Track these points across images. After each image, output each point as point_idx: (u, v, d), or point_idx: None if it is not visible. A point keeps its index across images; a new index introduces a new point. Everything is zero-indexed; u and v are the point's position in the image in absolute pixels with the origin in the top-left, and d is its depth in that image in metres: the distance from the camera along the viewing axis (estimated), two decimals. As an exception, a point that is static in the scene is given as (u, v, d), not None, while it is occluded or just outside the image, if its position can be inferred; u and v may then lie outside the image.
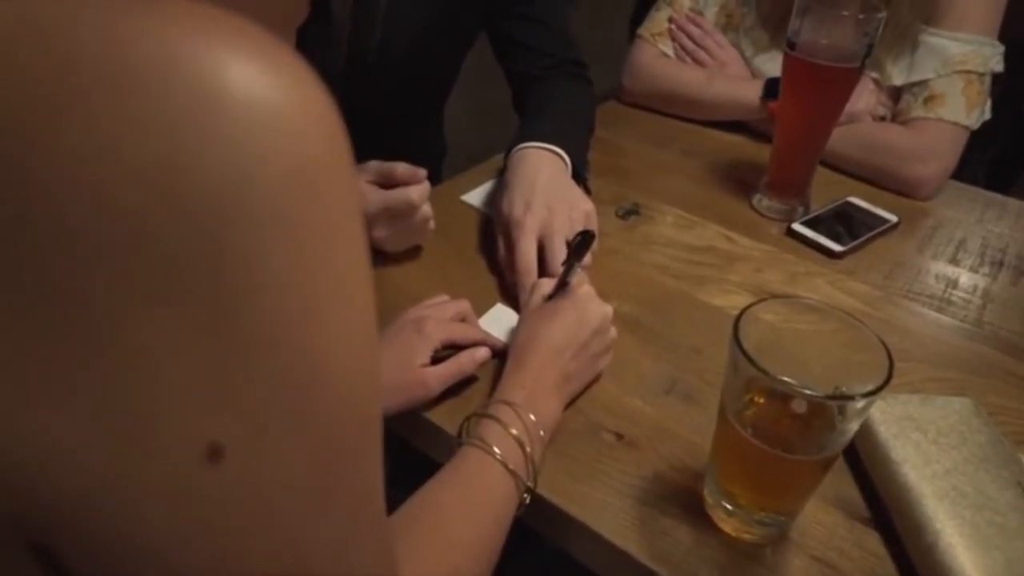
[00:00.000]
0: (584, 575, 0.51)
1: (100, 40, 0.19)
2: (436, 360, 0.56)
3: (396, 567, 0.29)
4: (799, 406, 0.43)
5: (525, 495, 0.48)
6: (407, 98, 0.92)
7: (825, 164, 0.91)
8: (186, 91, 0.19)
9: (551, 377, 0.53)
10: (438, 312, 0.59)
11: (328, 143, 0.22)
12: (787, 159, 0.85)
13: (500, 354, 0.59)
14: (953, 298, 0.74)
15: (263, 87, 0.20)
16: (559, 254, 0.67)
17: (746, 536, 0.48)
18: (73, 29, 0.19)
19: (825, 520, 0.50)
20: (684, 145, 0.99)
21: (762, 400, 0.46)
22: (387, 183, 0.68)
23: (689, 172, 0.93)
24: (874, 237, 0.82)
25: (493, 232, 0.75)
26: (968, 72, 0.86)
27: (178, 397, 0.20)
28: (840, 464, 0.53)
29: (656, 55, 1.05)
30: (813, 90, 0.79)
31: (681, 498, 0.50)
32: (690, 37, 1.04)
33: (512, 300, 0.68)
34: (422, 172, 0.68)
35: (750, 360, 0.40)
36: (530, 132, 0.79)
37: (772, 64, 0.99)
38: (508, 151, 0.79)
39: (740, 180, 0.91)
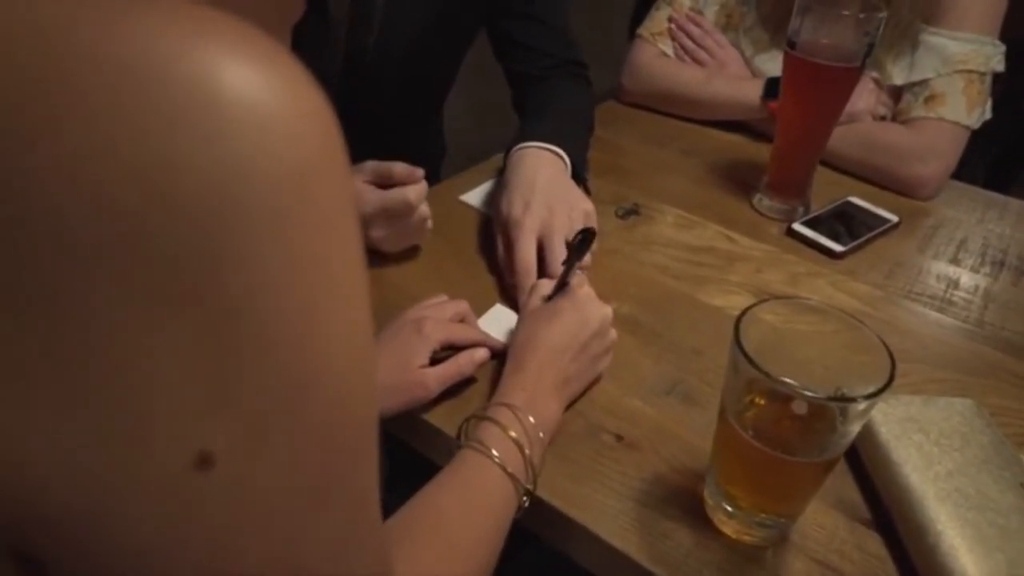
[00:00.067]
0: (584, 577, 0.51)
1: (98, 41, 0.18)
2: (435, 361, 0.56)
3: (392, 570, 0.29)
4: (800, 408, 0.42)
5: (524, 498, 0.47)
6: (405, 98, 0.92)
7: (825, 164, 0.91)
8: (182, 92, 0.19)
9: (550, 379, 0.52)
10: (437, 313, 0.59)
11: (323, 144, 0.22)
12: (787, 159, 0.85)
13: (499, 355, 0.59)
14: (954, 298, 0.74)
15: (258, 88, 0.20)
16: (559, 254, 0.67)
17: (747, 538, 0.48)
18: (72, 30, 0.18)
19: (826, 522, 0.49)
20: (684, 145, 0.99)
21: (763, 401, 0.45)
22: (384, 183, 0.68)
23: (689, 172, 0.93)
24: (875, 237, 0.81)
25: (492, 232, 0.74)
26: (969, 71, 0.86)
27: (172, 400, 0.20)
28: (841, 466, 0.52)
29: (656, 55, 1.05)
30: (813, 90, 0.79)
31: (681, 500, 0.50)
32: (690, 36, 1.04)
33: (511, 300, 0.67)
34: (420, 172, 0.67)
35: (751, 361, 0.40)
36: (530, 132, 0.79)
37: (772, 64, 0.99)
38: (507, 151, 0.79)
39: (740, 180, 0.91)
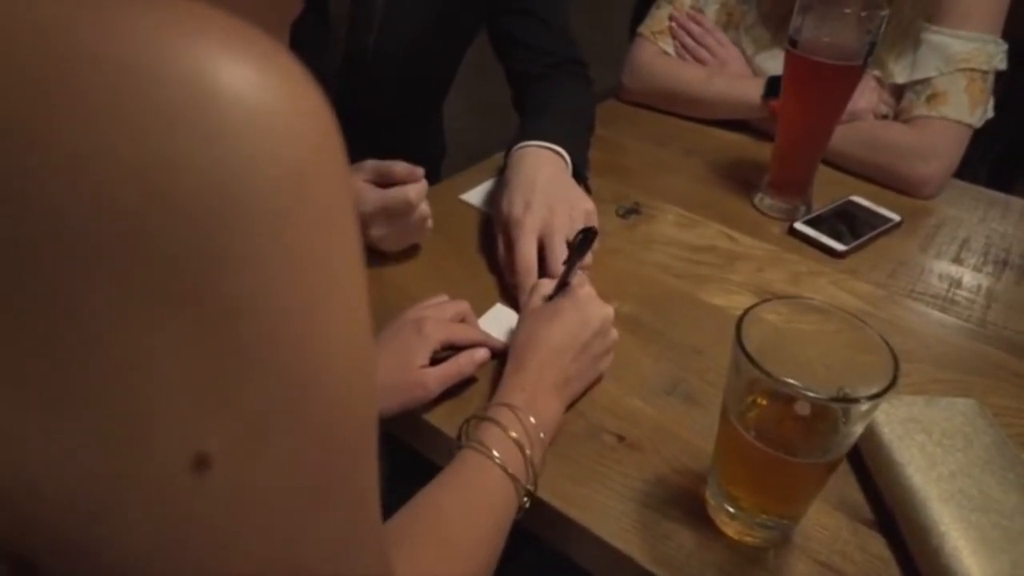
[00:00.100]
0: (584, 578, 0.51)
1: (97, 40, 0.18)
2: (435, 361, 0.55)
3: (393, 571, 0.29)
4: (802, 408, 0.42)
5: (525, 498, 0.47)
6: (405, 97, 0.92)
7: (827, 163, 0.90)
8: (181, 92, 0.19)
9: (551, 379, 0.52)
10: (437, 312, 0.59)
11: (322, 143, 0.22)
12: (789, 158, 0.85)
13: (500, 355, 0.59)
14: (957, 298, 0.73)
15: (257, 87, 0.20)
16: (559, 254, 0.67)
17: (748, 539, 0.47)
18: (71, 29, 0.18)
19: (828, 523, 0.49)
20: (685, 144, 0.99)
21: (765, 402, 0.45)
22: (384, 182, 0.67)
23: (690, 171, 0.93)
24: (877, 236, 0.81)
25: (492, 231, 0.74)
26: (971, 70, 0.86)
27: (170, 401, 0.20)
28: (844, 466, 0.52)
29: (656, 53, 1.05)
30: (815, 88, 0.78)
31: (683, 501, 0.50)
32: (691, 35, 1.04)
33: (512, 300, 0.67)
34: (420, 171, 0.67)
35: (752, 362, 0.40)
36: (530, 131, 0.79)
37: (773, 62, 0.99)
38: (508, 150, 0.79)
39: (742, 179, 0.90)
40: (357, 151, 0.71)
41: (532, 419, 0.49)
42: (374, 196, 0.66)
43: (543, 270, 0.67)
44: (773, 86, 0.93)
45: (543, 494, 0.49)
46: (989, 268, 0.78)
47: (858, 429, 0.41)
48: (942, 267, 0.78)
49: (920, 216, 0.87)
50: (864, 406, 0.39)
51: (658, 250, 0.77)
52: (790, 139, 0.84)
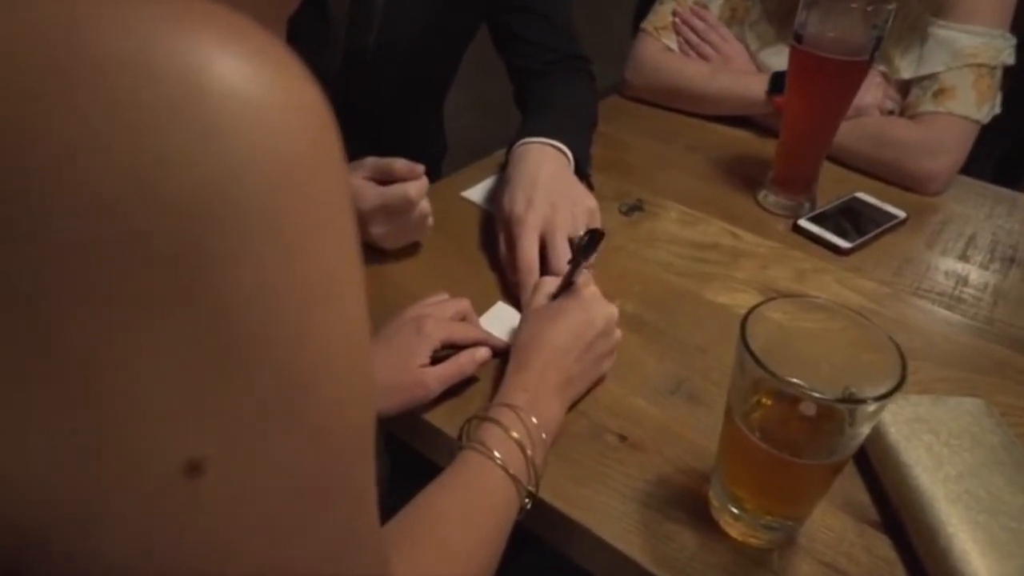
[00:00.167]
0: (586, 579, 0.50)
1: (90, 35, 0.18)
2: (436, 360, 0.55)
3: (391, 572, 0.29)
4: (808, 408, 0.42)
5: (526, 499, 0.46)
6: (406, 95, 0.91)
7: (832, 159, 0.90)
8: (175, 87, 0.18)
9: (554, 379, 0.52)
10: (438, 311, 0.58)
11: (318, 138, 0.22)
12: (793, 154, 0.84)
13: (501, 354, 0.58)
14: (963, 295, 0.72)
15: (252, 82, 0.20)
16: (561, 251, 0.66)
17: (753, 541, 0.47)
18: (66, 25, 0.18)
19: (834, 524, 0.48)
20: (688, 140, 0.98)
21: (770, 402, 0.44)
22: (384, 179, 0.67)
23: (693, 167, 0.92)
24: (882, 233, 0.80)
25: (494, 229, 0.74)
26: (979, 65, 0.85)
27: (162, 404, 0.20)
28: (849, 467, 0.51)
29: (660, 49, 1.04)
30: (820, 84, 0.77)
31: (686, 502, 0.49)
32: (694, 31, 1.03)
33: (513, 298, 0.66)
34: (420, 168, 0.67)
35: (757, 362, 0.39)
36: (532, 127, 0.78)
37: (778, 58, 0.98)
38: (509, 147, 0.78)
39: (745, 176, 0.90)
40: (357, 149, 0.71)
41: (534, 419, 0.48)
42: (374, 193, 0.66)
43: (545, 268, 0.66)
44: (777, 82, 0.92)
45: (544, 495, 0.48)
46: (996, 265, 0.78)
47: (865, 430, 0.40)
48: (948, 264, 0.77)
49: (926, 213, 0.86)
50: (871, 407, 0.38)
51: (661, 248, 0.76)
52: (795, 135, 0.83)
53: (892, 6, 0.71)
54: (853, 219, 0.81)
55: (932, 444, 0.49)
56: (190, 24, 0.19)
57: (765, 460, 0.42)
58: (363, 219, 0.66)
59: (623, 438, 0.54)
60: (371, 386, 0.26)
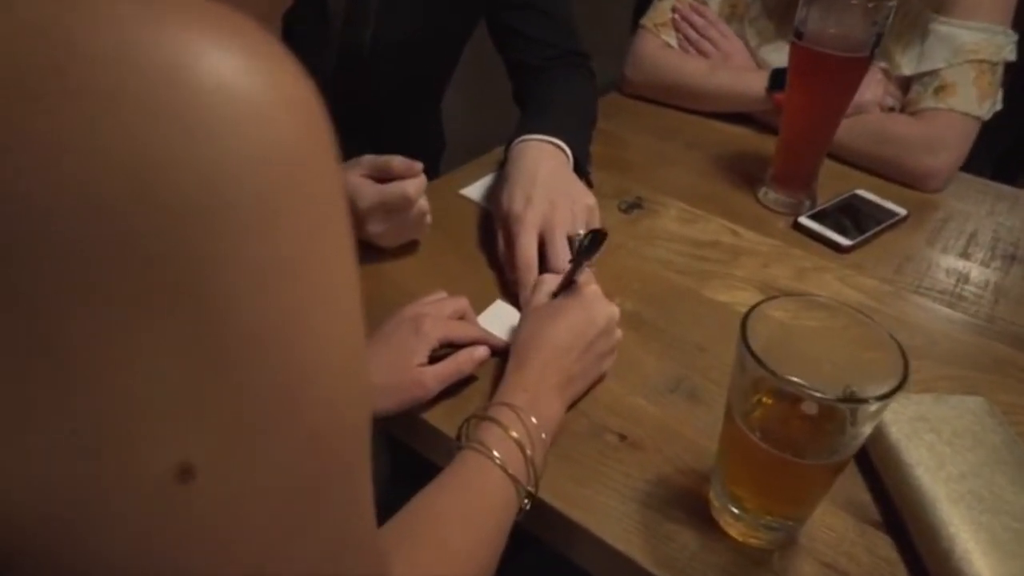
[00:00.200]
0: (585, 580, 0.50)
1: (77, 31, 0.18)
2: (434, 359, 0.54)
3: (389, 573, 0.29)
4: (809, 408, 0.41)
5: (526, 500, 0.46)
6: (403, 92, 0.91)
7: (832, 156, 0.89)
8: (162, 83, 0.18)
9: (554, 378, 0.51)
10: (436, 310, 0.58)
11: (310, 134, 0.21)
12: (793, 151, 0.83)
13: (500, 353, 0.58)
14: (964, 293, 0.72)
15: (242, 77, 0.20)
16: (560, 249, 0.65)
17: (753, 541, 0.46)
18: (52, 22, 0.18)
19: (835, 524, 0.48)
20: (688, 137, 0.97)
21: (770, 401, 0.44)
22: (382, 177, 0.66)
23: (693, 165, 0.92)
24: (883, 231, 0.80)
25: (492, 227, 0.73)
26: (980, 61, 0.84)
27: (151, 408, 0.19)
28: (850, 466, 0.51)
29: (659, 45, 1.04)
30: (820, 80, 0.77)
31: (686, 501, 0.49)
32: (694, 27, 1.02)
33: (512, 296, 0.66)
34: (418, 165, 0.66)
35: (758, 361, 0.39)
36: (531, 124, 0.78)
37: (777, 54, 0.97)
38: (508, 144, 0.78)
39: (745, 173, 0.89)
40: (355, 147, 0.70)
41: (533, 419, 0.48)
42: (372, 191, 0.65)
43: (544, 266, 0.66)
44: (777, 79, 0.91)
45: (544, 495, 0.48)
46: (997, 263, 0.77)
47: (866, 430, 0.40)
48: (949, 262, 0.77)
49: (927, 210, 0.85)
50: (873, 406, 0.38)
51: (660, 246, 0.75)
52: (795, 132, 0.82)
53: (893, 2, 0.70)
54: (853, 216, 0.81)
55: (934, 443, 0.49)
56: (180, 19, 0.19)
57: (765, 460, 0.42)
58: (361, 217, 0.66)
59: (623, 437, 0.53)
60: (366, 385, 0.26)
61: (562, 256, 0.65)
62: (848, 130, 0.85)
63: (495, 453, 0.45)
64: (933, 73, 0.87)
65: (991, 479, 0.46)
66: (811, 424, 0.42)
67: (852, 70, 0.75)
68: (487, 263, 0.71)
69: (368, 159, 0.67)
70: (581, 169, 0.77)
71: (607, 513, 0.48)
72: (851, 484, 0.51)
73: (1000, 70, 0.86)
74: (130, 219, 0.18)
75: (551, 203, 0.69)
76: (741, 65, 1.00)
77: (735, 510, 0.46)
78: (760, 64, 1.00)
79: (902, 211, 0.82)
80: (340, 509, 0.25)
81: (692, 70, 1.00)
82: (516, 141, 0.76)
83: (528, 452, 0.46)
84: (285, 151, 0.20)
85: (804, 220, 0.79)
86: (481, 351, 0.56)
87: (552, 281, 0.59)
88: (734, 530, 0.47)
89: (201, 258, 0.19)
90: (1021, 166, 1.48)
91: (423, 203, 0.68)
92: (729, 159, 0.92)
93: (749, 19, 1.01)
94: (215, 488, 0.21)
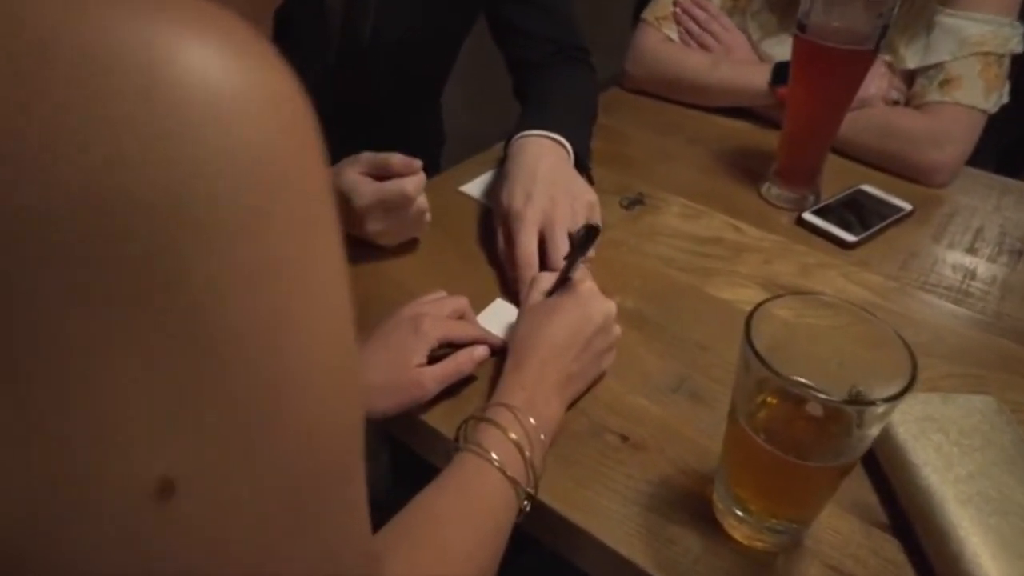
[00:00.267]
0: (586, 582, 0.49)
1: (49, 29, 0.17)
2: (433, 359, 0.54)
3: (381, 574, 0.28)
4: (815, 409, 0.40)
5: (525, 502, 0.45)
6: (403, 88, 0.90)
7: (836, 151, 0.88)
8: (136, 80, 0.17)
9: (552, 377, 0.50)
10: (435, 309, 0.57)
11: (293, 130, 0.20)
12: (797, 146, 0.82)
13: (500, 352, 0.57)
14: (971, 289, 0.71)
15: (224, 74, 0.19)
16: (561, 246, 0.65)
17: (758, 544, 0.46)
18: (32, 19, 0.17)
19: (841, 526, 0.47)
20: (690, 132, 0.96)
21: (775, 401, 0.43)
22: (381, 174, 0.65)
23: (695, 160, 0.91)
24: (888, 226, 0.79)
25: (492, 224, 0.72)
26: (986, 54, 0.83)
27: (128, 423, 0.18)
28: (857, 467, 0.50)
29: (660, 39, 1.02)
30: (824, 74, 0.76)
31: (689, 503, 0.48)
32: (695, 21, 1.01)
33: (512, 295, 0.65)
34: (417, 163, 0.65)
35: (762, 361, 0.38)
36: (531, 120, 0.77)
37: (780, 48, 0.96)
38: (508, 140, 0.77)
39: (748, 168, 0.88)
40: (354, 143, 0.69)
41: (532, 420, 0.47)
42: (370, 189, 0.64)
43: (544, 263, 0.65)
44: (780, 72, 0.90)
45: (544, 497, 0.47)
46: (1004, 258, 0.76)
47: (874, 432, 0.39)
48: (955, 257, 0.76)
49: (932, 205, 0.84)
50: (880, 409, 0.37)
51: (662, 242, 0.75)
52: (798, 127, 0.81)
53: (898, -6, 0.69)
54: (858, 212, 0.80)
55: (941, 443, 0.48)
56: (163, 16, 0.18)
57: (770, 462, 0.41)
58: (360, 215, 0.65)
59: (624, 438, 0.53)
60: (357, 386, 0.25)
61: (563, 253, 0.64)
62: (852, 124, 0.84)
63: (493, 455, 0.44)
64: (938, 66, 0.86)
65: (1000, 480, 0.45)
66: (817, 425, 0.41)
67: (856, 64, 0.74)
68: (487, 261, 0.70)
69: (366, 156, 0.66)
70: (582, 165, 0.76)
71: (608, 515, 0.47)
72: (857, 485, 0.50)
73: (1007, 62, 0.85)
74: (98, 223, 0.17)
75: (551, 200, 0.68)
76: (743, 59, 0.99)
77: (739, 512, 0.45)
78: (762, 58, 0.99)
79: (907, 206, 0.81)
80: (333, 514, 0.25)
81: (694, 64, 0.99)
82: (516, 137, 0.75)
83: (527, 453, 0.46)
84: (266, 148, 0.19)
85: (808, 216, 0.78)
86: (481, 351, 0.55)
87: (548, 279, 0.58)
88: (738, 533, 0.46)
89: (174, 265, 0.18)
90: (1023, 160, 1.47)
91: (422, 201, 0.67)
92: (731, 154, 0.91)
93: (751, 12, 1.00)
94: (199, 502, 0.20)
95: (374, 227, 0.66)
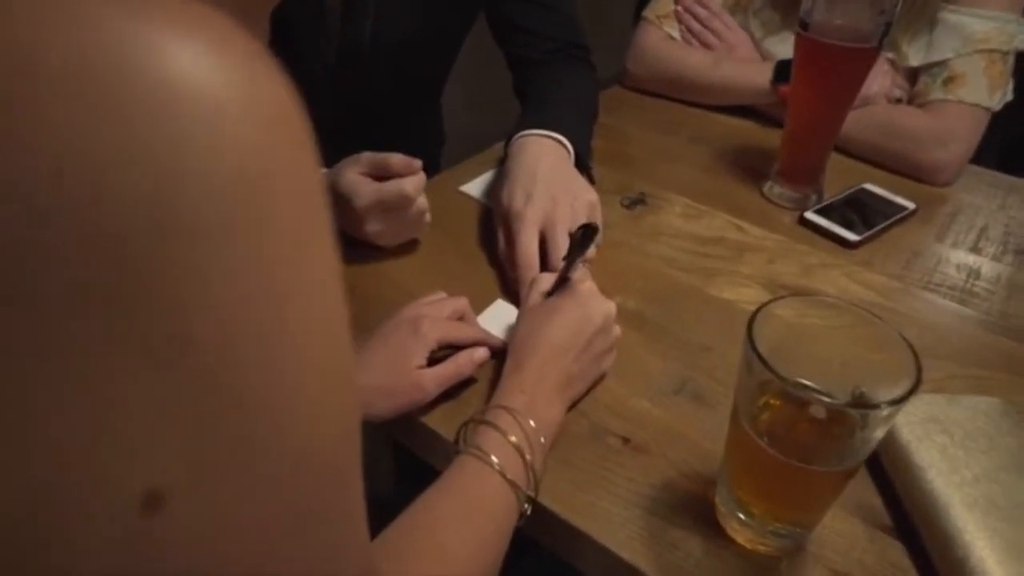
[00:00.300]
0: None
1: (23, 28, 0.17)
2: (433, 360, 0.53)
3: None
4: (818, 411, 0.40)
5: (526, 505, 0.45)
6: (403, 88, 0.89)
7: (839, 150, 0.87)
8: (114, 80, 0.17)
9: (552, 379, 0.50)
10: (434, 311, 0.56)
11: (282, 131, 0.20)
12: (799, 145, 0.82)
13: (500, 354, 0.56)
14: (975, 289, 0.70)
15: (205, 73, 0.18)
16: (561, 247, 0.64)
17: (761, 548, 0.45)
18: (11, 23, 0.17)
19: (845, 530, 0.47)
20: (691, 131, 0.96)
21: (778, 402, 0.43)
22: (381, 174, 0.65)
23: (697, 159, 0.90)
24: (891, 225, 0.78)
25: (493, 224, 0.72)
26: (991, 51, 0.82)
27: (112, 436, 0.18)
28: (861, 469, 0.50)
29: (662, 38, 1.02)
30: (827, 72, 0.75)
31: (692, 507, 0.48)
32: (697, 19, 1.01)
33: (513, 296, 0.65)
34: (417, 163, 0.65)
35: (765, 364, 0.37)
36: (531, 119, 0.76)
37: (783, 46, 0.96)
38: (508, 139, 0.76)
39: (750, 167, 0.88)
40: (354, 143, 0.69)
41: (532, 423, 0.47)
42: (370, 190, 0.64)
43: (545, 264, 0.65)
44: (783, 70, 0.90)
45: (544, 500, 0.47)
46: (1009, 257, 0.76)
47: (878, 434, 0.38)
48: (959, 257, 0.75)
49: (936, 204, 0.84)
50: (884, 411, 0.36)
51: (664, 242, 0.74)
52: (800, 125, 0.81)
53: (901, -9, 0.69)
54: (861, 211, 0.79)
55: (946, 446, 0.47)
56: (146, 13, 0.18)
57: (773, 466, 0.41)
58: (359, 216, 0.64)
59: (626, 440, 0.52)
60: (353, 389, 0.24)
61: (564, 253, 0.63)
62: (855, 123, 0.83)
63: (493, 458, 0.44)
64: (942, 64, 0.86)
65: (1007, 483, 0.45)
66: (820, 427, 0.40)
67: (859, 61, 0.73)
68: (487, 261, 0.70)
69: (366, 156, 0.66)
70: (582, 164, 0.76)
71: (609, 519, 0.47)
72: (862, 488, 0.49)
73: (1011, 59, 0.84)
74: (73, 232, 0.16)
75: (552, 199, 0.67)
76: (745, 57, 0.98)
77: (742, 516, 0.45)
78: (764, 56, 0.98)
79: (911, 205, 0.81)
80: (328, 523, 0.24)
81: (695, 62, 0.99)
82: (516, 136, 0.75)
83: (527, 457, 0.45)
84: (257, 148, 0.19)
85: (810, 215, 0.78)
86: (481, 352, 0.55)
87: (547, 280, 0.58)
88: (741, 536, 0.46)
89: (157, 275, 0.17)
90: (1029, 158, 1.46)
91: (422, 201, 0.66)
92: (733, 153, 0.91)
93: (753, 10, 1.00)
94: (188, 516, 0.19)
95: (374, 228, 0.66)
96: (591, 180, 0.76)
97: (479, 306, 0.62)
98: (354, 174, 0.65)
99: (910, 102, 0.90)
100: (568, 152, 0.74)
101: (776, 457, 0.40)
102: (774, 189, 0.83)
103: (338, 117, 0.88)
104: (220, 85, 0.18)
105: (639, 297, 0.66)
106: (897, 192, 0.82)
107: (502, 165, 0.75)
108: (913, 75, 0.90)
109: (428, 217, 0.68)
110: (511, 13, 0.87)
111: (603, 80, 0.94)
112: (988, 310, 0.68)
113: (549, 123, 0.75)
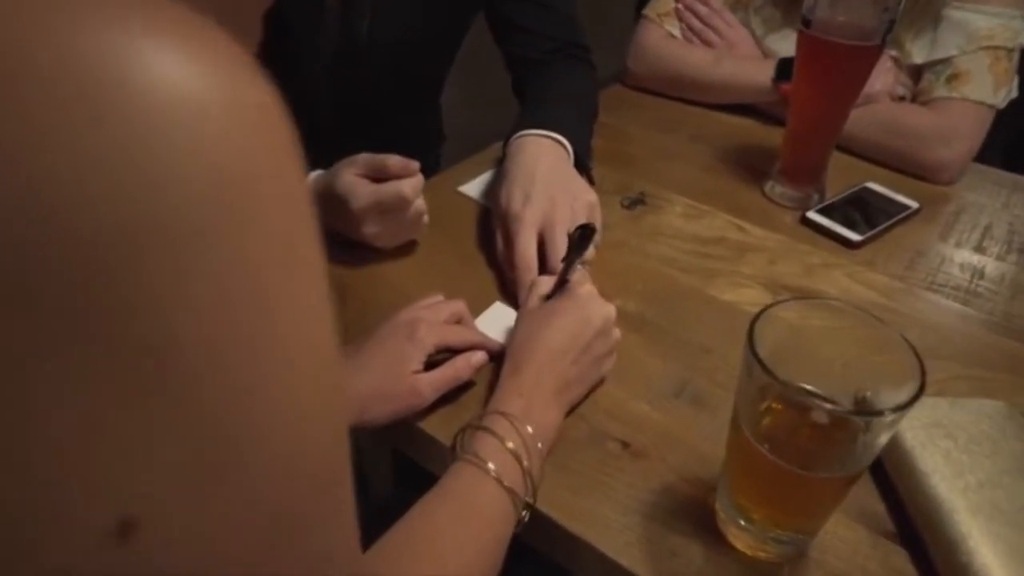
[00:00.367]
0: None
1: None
2: (431, 364, 0.53)
3: None
4: (820, 416, 0.39)
5: (524, 512, 0.45)
6: (402, 88, 0.89)
7: (841, 148, 0.86)
8: (86, 84, 0.16)
9: (550, 383, 0.49)
10: (432, 314, 0.56)
11: (264, 136, 0.19)
12: (801, 143, 0.81)
13: (498, 357, 0.56)
14: (979, 289, 0.70)
15: (187, 78, 0.18)
16: (560, 248, 0.64)
17: (761, 554, 0.45)
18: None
19: (847, 535, 0.46)
20: (692, 130, 0.95)
21: (779, 407, 0.42)
22: (378, 176, 0.64)
23: (697, 158, 0.89)
24: (894, 225, 0.77)
25: (491, 225, 0.71)
26: (995, 48, 0.81)
27: (83, 462, 0.17)
28: (863, 474, 0.49)
29: (662, 36, 1.01)
30: (829, 70, 0.74)
31: (692, 512, 0.47)
32: (697, 16, 1.00)
33: (512, 298, 0.64)
34: (415, 164, 0.64)
35: (766, 370, 0.37)
36: (530, 119, 0.76)
37: (784, 43, 0.95)
38: (507, 139, 0.76)
39: (751, 166, 0.87)
40: (354, 142, 0.68)
41: (529, 428, 0.46)
42: (367, 191, 0.63)
43: (544, 266, 0.64)
44: (784, 68, 0.89)
45: (542, 506, 0.46)
46: (1013, 257, 0.75)
47: (881, 440, 0.38)
48: (963, 256, 0.74)
49: (939, 202, 0.83)
50: (888, 418, 0.36)
51: (664, 243, 0.73)
52: (802, 124, 0.80)
53: (904, -12, 0.68)
54: (863, 210, 0.79)
55: (950, 450, 0.47)
56: (126, 19, 0.17)
57: (774, 472, 0.40)
58: (356, 218, 0.64)
59: (625, 444, 0.52)
60: (340, 398, 0.24)
61: (563, 254, 0.63)
62: (858, 121, 0.82)
63: (490, 465, 0.43)
64: (946, 61, 0.85)
65: (1011, 488, 0.44)
66: (822, 432, 0.40)
67: (862, 59, 0.72)
68: (486, 263, 0.69)
69: (363, 158, 0.65)
70: (582, 164, 0.75)
71: (608, 525, 0.46)
72: (864, 493, 0.49)
73: (1016, 56, 0.83)
74: (37, 246, 0.16)
75: (551, 200, 0.67)
76: (746, 55, 0.97)
77: (742, 522, 0.44)
78: (766, 54, 0.97)
79: (914, 204, 0.80)
80: (315, 535, 0.24)
81: (696, 60, 0.98)
82: (515, 136, 0.74)
83: (524, 463, 0.45)
84: (232, 162, 0.18)
85: (812, 215, 0.77)
86: (479, 356, 0.54)
87: (547, 283, 0.57)
88: (741, 543, 0.45)
89: (126, 290, 0.17)
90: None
91: (420, 203, 0.66)
92: (734, 152, 0.90)
93: (754, 7, 0.99)
94: (165, 538, 0.19)
95: (371, 229, 0.65)
96: (591, 180, 0.76)
97: (477, 308, 0.62)
98: (351, 175, 0.64)
99: (914, 100, 0.89)
100: (567, 152, 0.74)
101: (777, 464, 0.39)
102: (775, 188, 0.82)
103: (337, 117, 0.88)
104: (201, 90, 0.18)
105: (639, 299, 0.65)
106: (900, 191, 0.82)
107: (501, 165, 0.75)
108: (917, 73, 0.89)
109: (426, 219, 0.68)
110: (510, 13, 0.86)
111: (603, 79, 0.93)
112: (992, 310, 0.67)
113: (548, 123, 0.74)
